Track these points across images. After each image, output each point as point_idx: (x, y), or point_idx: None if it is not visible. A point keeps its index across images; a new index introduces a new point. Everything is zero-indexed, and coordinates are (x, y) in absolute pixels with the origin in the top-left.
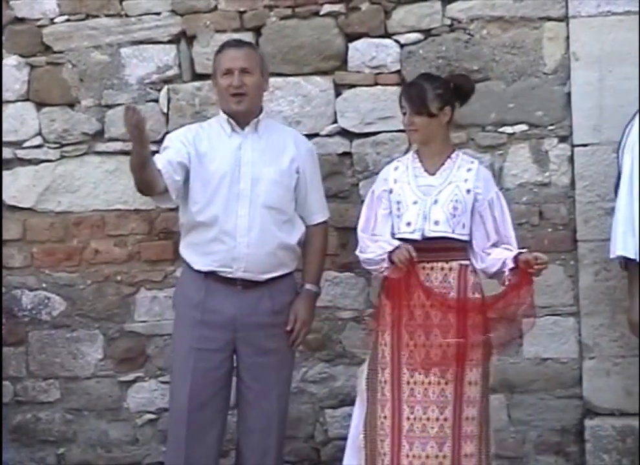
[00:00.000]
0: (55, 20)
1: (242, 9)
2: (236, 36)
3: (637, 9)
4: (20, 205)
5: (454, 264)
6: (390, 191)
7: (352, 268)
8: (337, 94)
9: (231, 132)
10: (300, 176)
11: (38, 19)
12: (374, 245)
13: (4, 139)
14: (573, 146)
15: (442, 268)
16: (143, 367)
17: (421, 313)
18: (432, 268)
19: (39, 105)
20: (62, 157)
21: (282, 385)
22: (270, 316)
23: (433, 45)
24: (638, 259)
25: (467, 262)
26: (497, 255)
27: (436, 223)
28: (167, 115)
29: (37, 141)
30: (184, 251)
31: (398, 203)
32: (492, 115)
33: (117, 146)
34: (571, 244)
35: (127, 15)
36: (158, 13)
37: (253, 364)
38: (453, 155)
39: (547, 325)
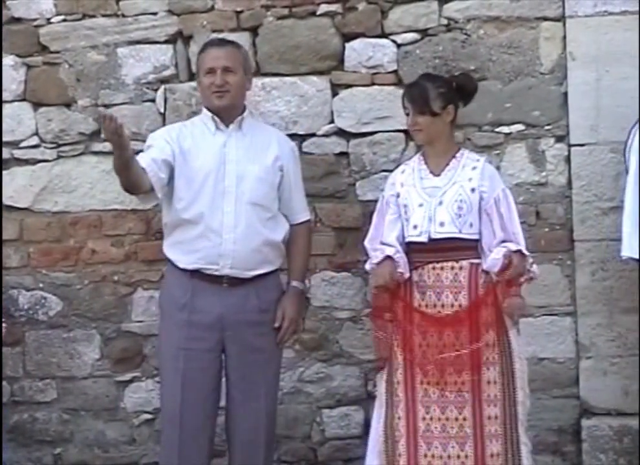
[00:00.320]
0: (52, 20)
1: (238, 9)
2: (233, 36)
3: (633, 9)
4: (17, 205)
5: (465, 263)
6: (397, 195)
7: (349, 268)
8: (334, 94)
9: (215, 130)
10: (284, 175)
11: (35, 19)
12: (374, 254)
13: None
14: (569, 146)
15: (452, 268)
16: (140, 367)
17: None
18: (442, 268)
19: (36, 105)
20: (59, 157)
21: (270, 383)
22: (257, 314)
23: (430, 45)
24: None
25: (478, 261)
26: (496, 254)
27: (442, 224)
28: (163, 115)
29: (34, 141)
30: (168, 250)
31: (405, 206)
32: (489, 115)
33: None
34: (568, 244)
35: (123, 15)
36: (155, 13)
37: (241, 363)
38: (458, 155)
39: (544, 325)
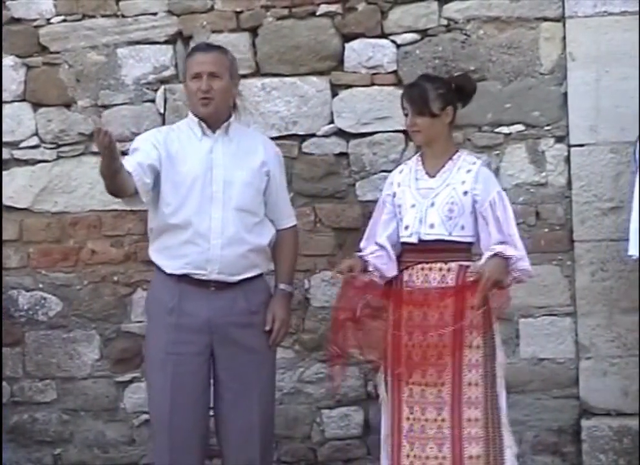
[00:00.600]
0: (52, 20)
1: (238, 9)
2: (232, 36)
3: (633, 9)
4: (16, 206)
5: (453, 265)
6: (394, 195)
7: None
8: (334, 94)
9: (202, 135)
10: (270, 180)
11: (34, 20)
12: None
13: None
14: (569, 146)
15: (440, 269)
16: (140, 367)
17: (420, 313)
18: (430, 269)
19: (36, 106)
20: (58, 157)
21: (264, 384)
22: (247, 316)
23: (429, 45)
24: None
25: (468, 263)
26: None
27: (431, 226)
28: (163, 115)
29: (34, 141)
30: (155, 255)
31: (400, 206)
32: (488, 116)
33: None
34: (567, 244)
35: (123, 16)
36: (155, 14)
37: (232, 364)
38: (455, 157)
39: (543, 325)
